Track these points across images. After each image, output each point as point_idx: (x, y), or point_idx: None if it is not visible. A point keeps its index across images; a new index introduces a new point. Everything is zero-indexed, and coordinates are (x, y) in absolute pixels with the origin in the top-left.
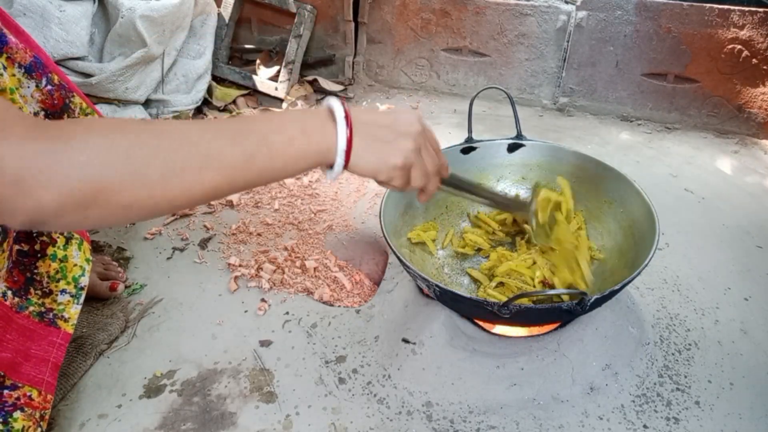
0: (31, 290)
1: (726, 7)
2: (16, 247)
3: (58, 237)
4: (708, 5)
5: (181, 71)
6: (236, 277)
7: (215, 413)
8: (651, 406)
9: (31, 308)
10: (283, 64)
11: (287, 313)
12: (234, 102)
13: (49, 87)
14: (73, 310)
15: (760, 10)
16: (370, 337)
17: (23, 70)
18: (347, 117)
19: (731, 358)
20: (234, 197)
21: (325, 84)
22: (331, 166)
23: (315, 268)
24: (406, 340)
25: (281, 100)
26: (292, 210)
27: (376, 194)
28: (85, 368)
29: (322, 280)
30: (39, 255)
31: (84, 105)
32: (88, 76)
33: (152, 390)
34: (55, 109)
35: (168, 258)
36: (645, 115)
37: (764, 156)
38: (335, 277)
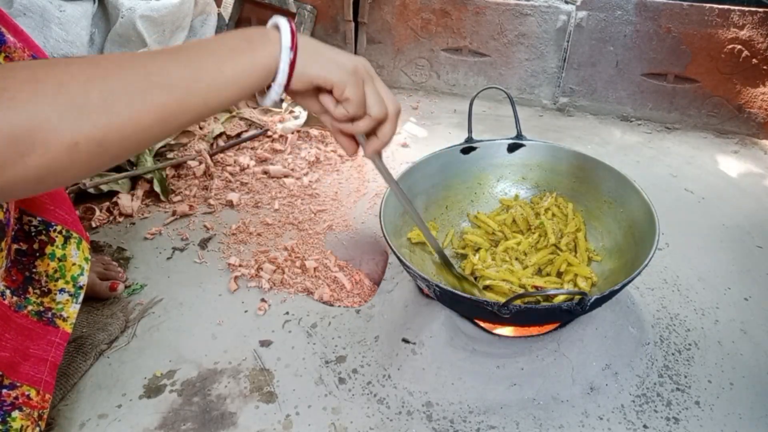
0: (30, 289)
1: (726, 7)
2: (15, 246)
3: (57, 236)
4: (708, 5)
5: None
6: (236, 277)
7: (215, 413)
8: (651, 406)
9: (30, 307)
10: None
11: (287, 313)
12: None
13: None
14: (72, 310)
15: (760, 10)
16: (370, 337)
17: None
18: (291, 26)
19: (731, 358)
20: (234, 197)
21: None
22: (269, 87)
23: (315, 268)
24: (406, 340)
25: (281, 100)
26: (292, 210)
27: (376, 194)
28: (85, 368)
29: (322, 280)
30: (37, 254)
31: None
32: None
33: (152, 390)
34: None
35: (168, 258)
36: (645, 115)
37: (764, 156)
38: (335, 277)
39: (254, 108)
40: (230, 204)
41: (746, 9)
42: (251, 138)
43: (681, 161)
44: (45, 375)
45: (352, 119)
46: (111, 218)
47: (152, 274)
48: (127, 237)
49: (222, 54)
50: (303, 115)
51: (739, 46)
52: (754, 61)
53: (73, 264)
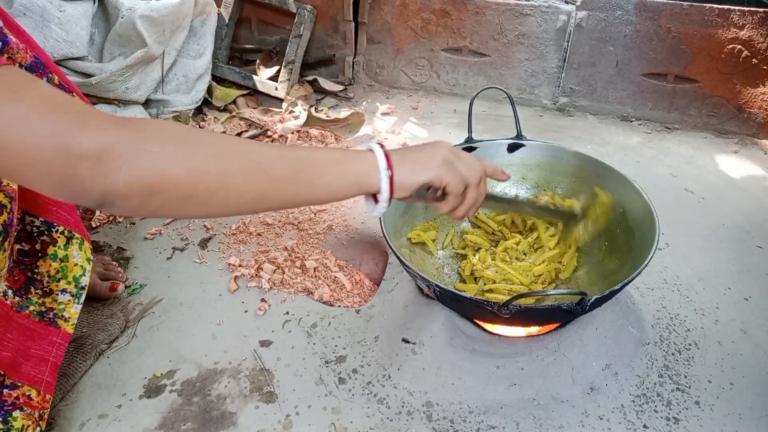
0: (32, 290)
1: (726, 7)
2: (17, 246)
3: (59, 237)
4: (708, 5)
5: (181, 71)
6: (236, 277)
7: (215, 413)
8: (651, 406)
9: (32, 308)
10: (283, 64)
11: (287, 313)
12: (234, 102)
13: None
14: (74, 310)
15: (760, 10)
16: (370, 337)
17: (24, 69)
18: (382, 145)
19: (731, 358)
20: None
21: (325, 84)
22: (375, 200)
23: (315, 268)
24: (406, 340)
25: (281, 100)
26: (292, 210)
27: None
28: (85, 368)
29: (322, 280)
30: (40, 254)
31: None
32: (88, 76)
33: (152, 390)
34: None
35: (168, 258)
36: (645, 115)
37: (764, 156)
38: (335, 277)
39: (254, 108)
40: None
41: (746, 9)
42: (251, 138)
43: (681, 161)
44: (46, 375)
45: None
46: (111, 218)
47: (152, 274)
48: (127, 237)
49: (322, 160)
50: (303, 115)
51: (739, 46)
52: (754, 61)
53: (75, 264)
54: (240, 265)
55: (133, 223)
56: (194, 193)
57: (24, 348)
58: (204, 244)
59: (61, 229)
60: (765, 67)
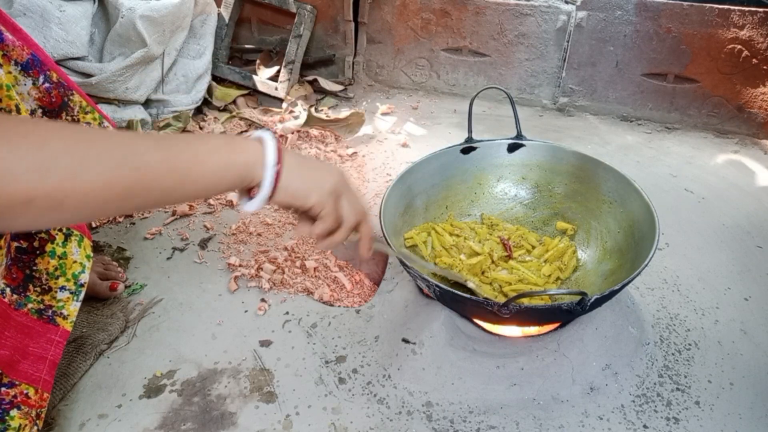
0: (30, 287)
1: (726, 7)
2: (15, 243)
3: (57, 234)
4: (708, 5)
5: (181, 71)
6: (236, 277)
7: (215, 413)
8: (651, 406)
9: (30, 305)
10: (283, 64)
11: (287, 313)
12: (234, 102)
13: (47, 85)
14: (72, 308)
15: (760, 10)
16: (370, 337)
17: (20, 68)
18: (277, 144)
19: (731, 358)
20: (234, 197)
21: (325, 84)
22: (251, 197)
23: (315, 268)
24: (406, 340)
25: (281, 100)
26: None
27: (376, 194)
28: (85, 368)
29: (322, 280)
30: (38, 252)
31: (84, 103)
32: (88, 76)
33: (152, 390)
34: (53, 107)
35: (168, 258)
36: (645, 115)
37: (764, 156)
38: (335, 277)
39: (254, 108)
40: (230, 204)
41: (746, 9)
42: None
43: (681, 161)
44: (44, 374)
45: (329, 233)
46: (111, 218)
47: (152, 274)
48: (127, 237)
49: (202, 150)
50: (303, 115)
51: (739, 46)
52: (754, 61)
53: (74, 262)
54: (240, 265)
55: (133, 223)
56: (37, 194)
57: (22, 346)
58: (204, 244)
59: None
60: (765, 67)
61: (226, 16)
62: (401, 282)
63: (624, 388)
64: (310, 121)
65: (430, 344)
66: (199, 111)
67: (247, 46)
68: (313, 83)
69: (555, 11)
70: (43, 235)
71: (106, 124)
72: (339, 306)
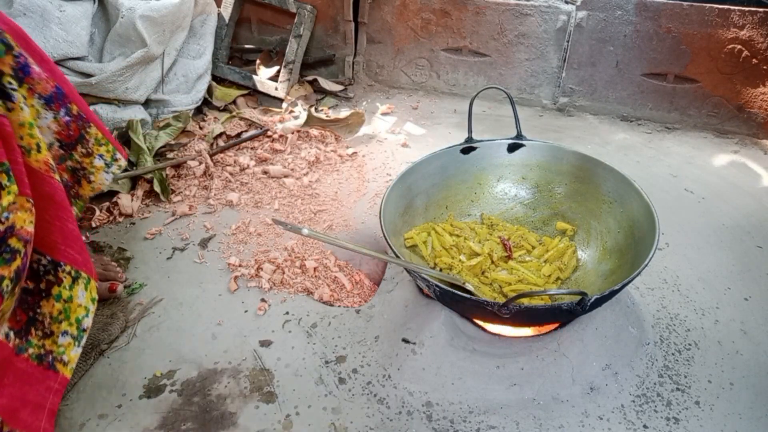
0: (32, 330)
1: (726, 7)
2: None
3: (65, 276)
4: (708, 5)
5: (181, 71)
6: (236, 277)
7: (215, 413)
8: (651, 406)
9: (31, 350)
10: (283, 64)
11: (287, 313)
12: (234, 102)
13: (66, 118)
14: (73, 354)
15: (760, 10)
16: (370, 337)
17: (43, 101)
18: None
19: (731, 358)
20: (234, 197)
21: (325, 84)
22: None
23: (315, 268)
24: (406, 340)
25: (281, 100)
26: (292, 210)
27: (376, 194)
28: (85, 368)
29: (322, 280)
30: (43, 294)
31: (99, 135)
32: (88, 76)
33: (152, 390)
34: (71, 140)
35: (168, 258)
36: (645, 115)
37: (764, 156)
38: (335, 277)
39: (254, 108)
40: (230, 204)
41: (746, 9)
42: (251, 138)
43: (681, 161)
44: (43, 422)
45: None
46: (111, 218)
47: (152, 274)
48: (127, 237)
49: None
50: (303, 115)
51: (739, 46)
52: (754, 61)
53: (79, 305)
54: (240, 265)
55: (133, 223)
56: None
57: (21, 394)
58: (204, 244)
59: (68, 268)
60: (765, 67)
61: (226, 16)
62: (401, 282)
63: (624, 388)
64: (310, 121)
65: (430, 344)
66: (199, 111)
67: (247, 46)
68: (313, 83)
69: (555, 11)
70: (50, 277)
71: (118, 156)
72: (339, 306)
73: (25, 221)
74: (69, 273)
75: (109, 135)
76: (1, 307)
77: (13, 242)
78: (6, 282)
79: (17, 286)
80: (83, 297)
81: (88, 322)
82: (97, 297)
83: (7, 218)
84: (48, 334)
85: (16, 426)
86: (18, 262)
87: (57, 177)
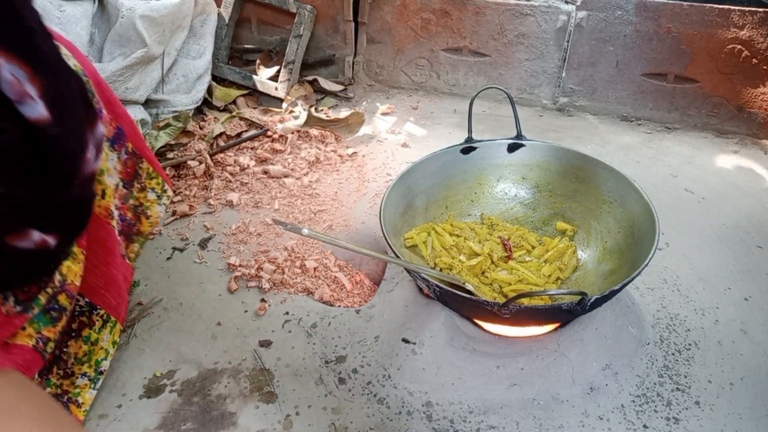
0: (54, 369)
1: (726, 7)
2: None
3: (97, 320)
4: (708, 5)
5: (181, 71)
6: (236, 277)
7: (215, 413)
8: (651, 406)
9: (48, 390)
10: (283, 64)
11: (287, 313)
12: (234, 102)
13: (125, 156)
14: (88, 396)
15: (760, 10)
16: (370, 337)
17: (108, 143)
18: None
19: (731, 358)
20: (234, 197)
21: (325, 84)
22: None
23: (315, 268)
24: (406, 340)
25: (281, 100)
26: (292, 210)
27: (376, 194)
28: None
29: (322, 280)
30: (73, 334)
31: (150, 170)
32: None
33: (152, 390)
34: (129, 177)
35: (168, 258)
36: (645, 115)
37: (764, 156)
38: (335, 277)
39: (254, 108)
40: (230, 204)
41: (746, 9)
42: (251, 138)
43: (681, 161)
44: None
45: None
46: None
47: (152, 274)
48: None
49: None
50: (303, 115)
51: (739, 46)
52: (754, 61)
53: (101, 348)
54: (240, 265)
55: None
56: None
57: None
58: (204, 244)
59: (101, 312)
60: (765, 67)
61: (226, 16)
62: (401, 282)
63: (624, 388)
64: (310, 121)
65: (430, 344)
66: (199, 111)
67: (247, 46)
68: (313, 83)
69: (555, 11)
70: (83, 319)
71: (166, 187)
72: (339, 306)
73: (76, 275)
74: (101, 317)
75: (158, 167)
76: (38, 368)
77: (63, 299)
78: (50, 344)
79: (59, 324)
80: (106, 340)
81: (106, 365)
82: (118, 341)
83: (63, 274)
84: (68, 374)
85: None
86: (63, 322)
87: (113, 224)
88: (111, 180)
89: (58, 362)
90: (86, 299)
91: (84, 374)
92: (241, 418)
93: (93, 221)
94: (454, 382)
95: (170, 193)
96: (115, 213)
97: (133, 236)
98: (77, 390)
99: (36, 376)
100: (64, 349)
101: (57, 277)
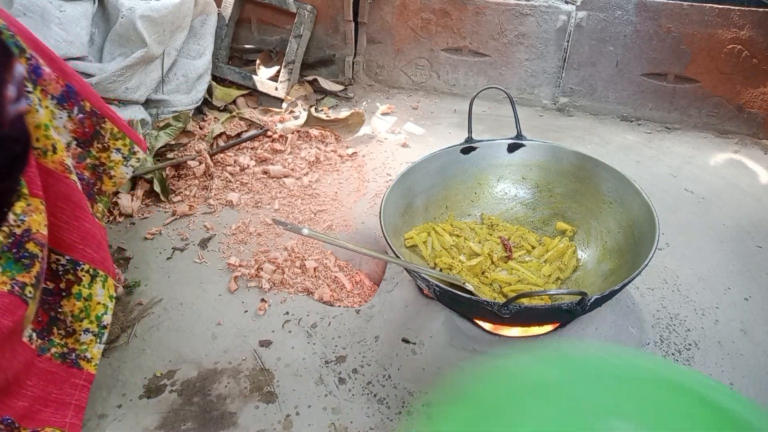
0: (54, 330)
1: (726, 7)
2: (41, 286)
3: (84, 275)
4: (708, 5)
5: (181, 71)
6: (236, 277)
7: (215, 413)
8: None
9: (54, 349)
10: (283, 64)
11: (287, 313)
12: (234, 102)
13: (80, 116)
14: (96, 350)
15: (760, 10)
16: (370, 337)
17: (55, 101)
18: None
19: (731, 358)
20: (234, 197)
21: (325, 84)
22: None
23: (315, 268)
24: (406, 340)
25: (281, 100)
26: (292, 210)
27: (376, 194)
28: None
29: (322, 280)
30: (64, 293)
31: (115, 130)
32: (88, 76)
33: (152, 390)
34: (86, 137)
35: (168, 258)
36: (645, 115)
37: (764, 156)
38: (335, 277)
39: (254, 108)
40: (230, 204)
41: (746, 9)
42: (251, 138)
43: (681, 161)
44: (69, 418)
45: None
46: (111, 218)
47: (152, 274)
48: (127, 237)
49: None
50: (303, 115)
51: (739, 46)
52: (754, 61)
53: (98, 303)
54: (240, 265)
55: (133, 223)
56: None
57: (44, 395)
58: (204, 244)
59: (86, 267)
60: (765, 67)
61: (226, 16)
62: (401, 282)
63: None
64: (310, 121)
65: (430, 344)
66: (199, 111)
67: (247, 46)
68: (313, 83)
69: (555, 11)
70: (69, 276)
71: (136, 149)
72: (339, 306)
73: (40, 224)
74: (87, 272)
75: (126, 128)
76: (26, 313)
77: (31, 247)
78: (28, 288)
79: (38, 290)
80: (102, 295)
81: (107, 319)
82: (115, 294)
83: (23, 221)
84: (70, 332)
85: (35, 425)
86: (37, 267)
87: (74, 177)
88: (62, 138)
89: (57, 323)
90: (67, 257)
91: (87, 330)
92: (241, 418)
93: (50, 176)
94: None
95: (141, 155)
96: (74, 170)
97: (95, 195)
98: (84, 346)
99: (36, 338)
100: (59, 310)
101: (12, 217)
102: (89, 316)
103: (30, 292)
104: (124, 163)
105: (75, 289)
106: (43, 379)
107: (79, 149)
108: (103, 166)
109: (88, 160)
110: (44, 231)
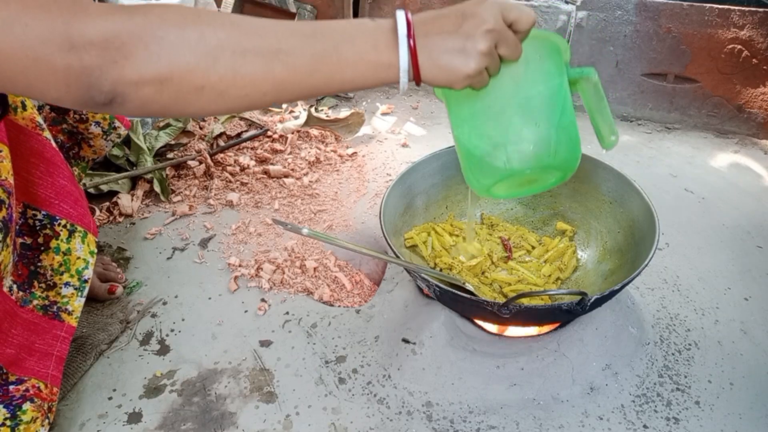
0: (35, 283)
1: (726, 7)
2: (20, 240)
3: (61, 230)
4: (708, 5)
5: None
6: (236, 277)
7: (215, 413)
8: (651, 406)
9: (35, 302)
10: None
11: (287, 313)
12: None
13: None
14: (77, 303)
15: (760, 10)
16: (370, 337)
17: None
18: (410, 34)
19: (731, 358)
20: (234, 197)
21: None
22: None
23: (315, 268)
24: (406, 340)
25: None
26: (292, 210)
27: (376, 194)
28: (85, 368)
29: (322, 280)
30: (42, 248)
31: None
32: None
33: (152, 390)
34: None
35: (168, 258)
36: (645, 115)
37: (764, 156)
38: (335, 277)
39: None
40: (230, 204)
41: (746, 9)
42: (251, 138)
43: (681, 161)
44: (51, 369)
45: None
46: (111, 218)
47: (152, 274)
48: (127, 237)
49: (346, 57)
50: (303, 114)
51: (739, 46)
52: (754, 61)
53: (78, 258)
54: (240, 265)
55: (133, 223)
56: (207, 82)
57: (28, 343)
58: (204, 244)
59: (63, 222)
60: (765, 67)
61: None
62: (401, 282)
63: (624, 388)
64: (310, 121)
65: (430, 344)
66: None
67: None
68: None
69: (555, 11)
70: (47, 231)
71: (117, 124)
72: (339, 306)
73: (9, 172)
74: (65, 227)
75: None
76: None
77: None
78: None
79: (8, 237)
80: (81, 250)
81: (88, 273)
82: (95, 250)
83: None
84: (51, 286)
85: (22, 373)
86: (3, 212)
87: (46, 135)
88: (33, 101)
89: (37, 276)
90: (43, 212)
91: (67, 284)
92: (241, 418)
93: (21, 132)
94: (454, 382)
95: (122, 131)
96: (47, 129)
97: (71, 159)
98: (65, 299)
99: (17, 290)
100: (39, 264)
101: None
102: (69, 270)
103: None
104: (104, 137)
105: (53, 243)
106: (27, 329)
107: (53, 114)
108: (82, 135)
109: (64, 126)
110: (11, 180)
